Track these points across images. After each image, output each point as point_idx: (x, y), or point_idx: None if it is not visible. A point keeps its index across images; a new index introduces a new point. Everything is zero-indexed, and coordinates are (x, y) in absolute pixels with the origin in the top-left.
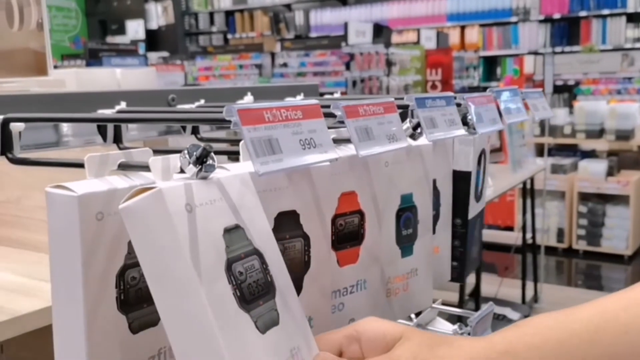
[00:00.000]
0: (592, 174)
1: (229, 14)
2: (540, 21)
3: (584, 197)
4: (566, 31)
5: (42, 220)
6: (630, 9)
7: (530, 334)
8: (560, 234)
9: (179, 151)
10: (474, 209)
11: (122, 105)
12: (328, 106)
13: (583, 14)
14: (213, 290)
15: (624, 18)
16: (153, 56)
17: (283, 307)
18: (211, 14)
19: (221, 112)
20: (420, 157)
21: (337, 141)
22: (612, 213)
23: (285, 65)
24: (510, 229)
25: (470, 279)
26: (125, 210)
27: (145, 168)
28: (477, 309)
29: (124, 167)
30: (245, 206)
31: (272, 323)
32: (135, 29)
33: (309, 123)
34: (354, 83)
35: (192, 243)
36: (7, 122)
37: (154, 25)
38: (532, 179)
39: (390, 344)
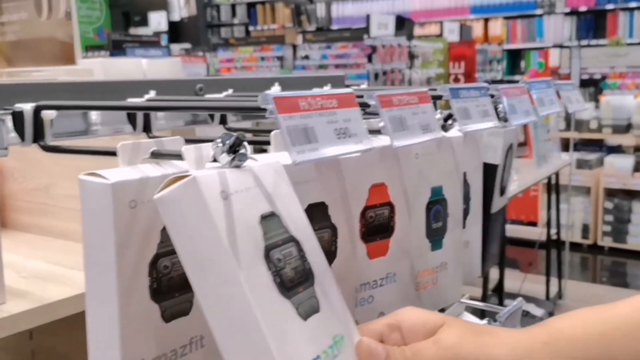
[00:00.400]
0: (618, 169)
1: (251, 6)
2: (566, 14)
3: (610, 193)
4: (592, 24)
5: (71, 209)
6: None
7: (571, 326)
8: (585, 230)
9: (208, 140)
10: (497, 204)
11: (152, 94)
12: (361, 96)
13: (610, 6)
14: (253, 276)
15: None
16: (175, 48)
17: (322, 294)
18: (233, 6)
19: (255, 101)
20: (450, 149)
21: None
22: (638, 209)
23: (306, 57)
24: (533, 224)
25: (494, 274)
26: (160, 200)
27: (178, 157)
28: (500, 304)
29: (157, 155)
30: (280, 194)
31: (313, 310)
32: (157, 21)
33: (344, 112)
34: (376, 75)
35: (229, 230)
36: (39, 109)
37: (176, 17)
38: (557, 174)
39: (431, 331)
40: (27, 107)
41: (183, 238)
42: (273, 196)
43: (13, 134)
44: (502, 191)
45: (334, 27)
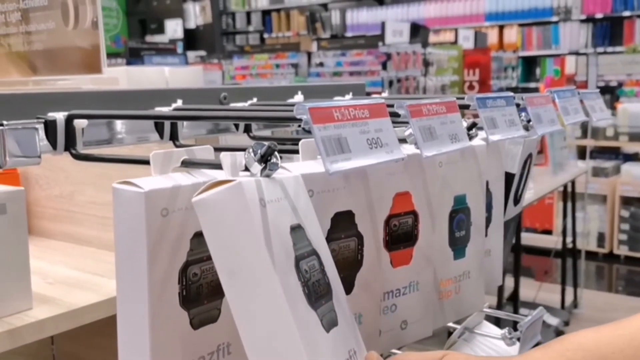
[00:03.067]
0: (635, 177)
1: (266, 14)
2: (582, 21)
3: (626, 202)
4: (608, 31)
5: (95, 216)
6: None
7: (573, 349)
8: (601, 238)
9: (233, 149)
10: (510, 212)
11: (179, 102)
12: (391, 105)
13: (626, 13)
14: (286, 284)
15: None
16: (191, 55)
17: (339, 308)
18: (248, 14)
19: (283, 110)
20: (474, 158)
21: None
22: None
23: (321, 64)
24: (548, 232)
25: (509, 283)
26: (200, 202)
27: (209, 165)
28: (515, 313)
29: (188, 164)
30: (302, 207)
31: (333, 323)
32: (173, 28)
33: (376, 122)
34: (390, 83)
35: (267, 236)
36: (71, 118)
37: (192, 24)
38: (573, 182)
39: None
40: (60, 116)
41: (220, 241)
42: (297, 209)
43: (44, 142)
44: (518, 200)
45: (349, 34)
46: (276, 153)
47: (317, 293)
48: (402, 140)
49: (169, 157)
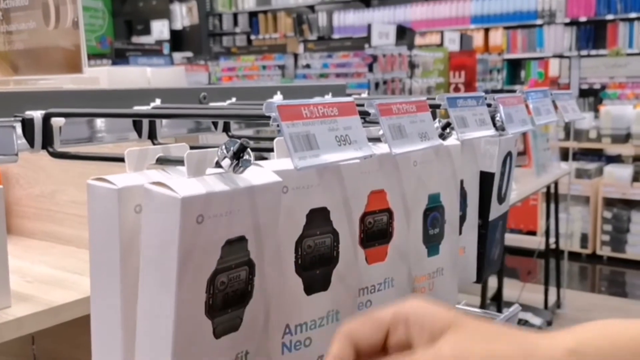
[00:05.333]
0: (617, 179)
1: (253, 15)
2: (566, 24)
3: (609, 203)
4: (592, 34)
5: (75, 215)
6: None
7: (600, 336)
8: (584, 239)
9: (209, 147)
10: (495, 211)
11: (157, 102)
12: (361, 105)
13: (610, 17)
14: (183, 294)
15: None
16: (177, 56)
17: (250, 314)
18: (235, 15)
19: (259, 109)
20: (448, 157)
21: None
22: (637, 219)
23: (308, 66)
24: (532, 233)
25: (492, 283)
26: (147, 195)
27: (181, 162)
28: (498, 312)
29: (162, 161)
30: (263, 214)
31: (231, 329)
32: (160, 29)
33: (345, 120)
34: (377, 85)
35: (184, 252)
36: (48, 117)
37: (178, 25)
38: (556, 184)
39: (436, 333)
40: (37, 115)
41: (147, 236)
42: (254, 216)
43: (22, 141)
44: (502, 199)
45: (336, 36)
46: (249, 150)
47: (225, 303)
48: (377, 139)
49: (144, 154)
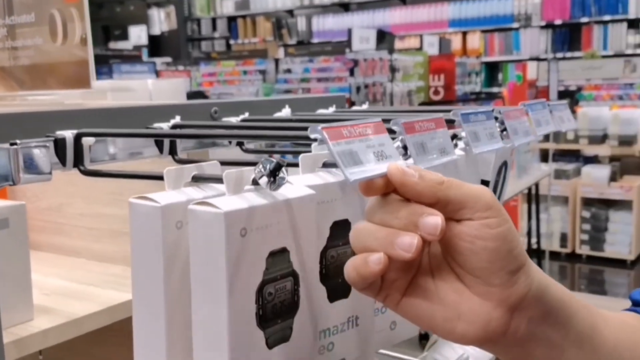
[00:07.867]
0: (595, 179)
1: (231, 20)
2: (542, 27)
3: (587, 203)
4: (567, 37)
5: (83, 227)
6: (632, 15)
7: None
8: (563, 238)
9: (231, 163)
10: None
11: (177, 119)
12: (387, 121)
13: (584, 19)
14: (234, 305)
15: (625, 24)
16: (157, 62)
17: (298, 324)
18: (214, 20)
19: (304, 129)
20: (455, 168)
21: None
22: (615, 218)
23: (289, 71)
24: None
25: None
26: (192, 213)
27: (218, 180)
28: None
29: (198, 179)
30: (300, 227)
31: (282, 340)
32: (138, 35)
33: (378, 138)
34: (358, 89)
35: (232, 264)
36: (80, 136)
37: (156, 30)
38: (536, 185)
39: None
40: (69, 134)
41: (198, 255)
42: (293, 230)
43: (55, 160)
44: None
45: (315, 40)
46: (284, 168)
47: (274, 314)
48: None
49: (180, 172)
